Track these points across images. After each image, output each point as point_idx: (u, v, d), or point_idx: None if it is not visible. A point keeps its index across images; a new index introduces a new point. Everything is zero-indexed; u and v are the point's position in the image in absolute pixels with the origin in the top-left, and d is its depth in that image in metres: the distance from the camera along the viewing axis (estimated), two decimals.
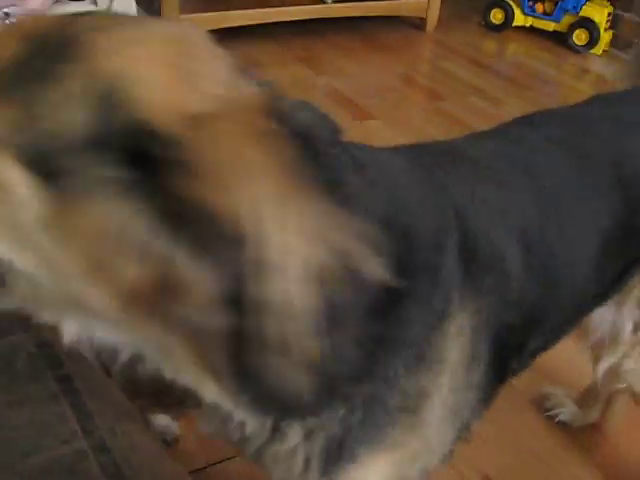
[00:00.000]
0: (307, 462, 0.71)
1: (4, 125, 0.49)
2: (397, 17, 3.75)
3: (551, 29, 3.74)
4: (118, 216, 0.48)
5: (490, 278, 0.81)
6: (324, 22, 3.48)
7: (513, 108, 2.92)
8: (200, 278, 0.47)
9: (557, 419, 1.56)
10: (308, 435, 0.69)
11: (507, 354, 0.88)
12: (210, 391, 0.55)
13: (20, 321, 0.75)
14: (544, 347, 1.00)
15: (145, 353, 0.58)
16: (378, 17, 3.65)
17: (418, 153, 0.86)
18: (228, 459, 1.38)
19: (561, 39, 3.67)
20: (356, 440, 0.70)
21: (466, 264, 0.79)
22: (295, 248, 0.47)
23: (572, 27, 3.62)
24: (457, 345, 0.78)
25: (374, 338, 0.61)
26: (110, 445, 0.63)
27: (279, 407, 0.53)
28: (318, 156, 0.56)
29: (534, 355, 0.99)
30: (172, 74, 0.51)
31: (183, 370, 0.55)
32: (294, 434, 0.69)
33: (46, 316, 0.57)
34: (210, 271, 0.47)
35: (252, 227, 0.46)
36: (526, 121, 1.02)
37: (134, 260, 0.48)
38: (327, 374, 0.51)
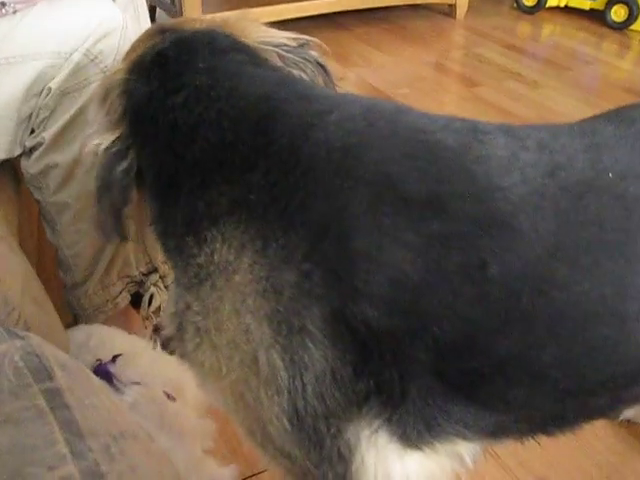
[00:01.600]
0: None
1: None
2: (425, 5, 3.64)
3: (587, 7, 3.59)
4: None
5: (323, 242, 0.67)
6: (351, 15, 3.38)
7: (552, 90, 2.79)
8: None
9: (620, 416, 1.43)
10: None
11: (382, 362, 0.69)
12: None
13: (8, 331, 0.66)
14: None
15: None
16: (406, 7, 3.54)
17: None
18: (259, 473, 1.28)
19: (598, 17, 3.52)
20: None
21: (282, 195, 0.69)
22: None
23: (610, 4, 3.46)
24: (227, 280, 0.71)
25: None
26: (104, 469, 0.54)
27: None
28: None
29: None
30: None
31: None
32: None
33: None
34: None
35: None
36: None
37: None
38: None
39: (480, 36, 3.42)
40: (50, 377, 0.61)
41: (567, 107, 2.63)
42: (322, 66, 0.90)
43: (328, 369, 0.68)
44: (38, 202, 1.29)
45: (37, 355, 0.63)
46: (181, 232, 0.77)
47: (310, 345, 0.67)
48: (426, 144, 0.71)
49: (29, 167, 1.22)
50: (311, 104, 0.76)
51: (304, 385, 0.69)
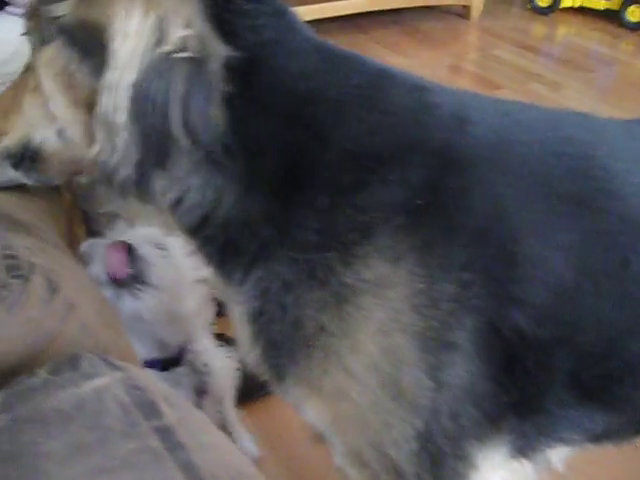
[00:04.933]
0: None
1: None
2: (440, 7, 3.59)
3: (602, 7, 3.54)
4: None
5: (475, 250, 0.62)
6: (367, 17, 3.34)
7: (575, 92, 2.75)
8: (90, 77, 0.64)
9: None
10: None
11: (524, 373, 0.65)
12: None
13: (105, 361, 0.61)
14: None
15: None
16: (421, 9, 3.49)
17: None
18: None
19: (614, 17, 3.47)
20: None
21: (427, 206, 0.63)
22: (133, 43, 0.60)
23: (625, 4, 3.42)
24: (378, 297, 0.63)
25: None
26: None
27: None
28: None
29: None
30: None
31: None
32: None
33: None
34: (95, 72, 0.62)
35: (110, 32, 0.60)
36: None
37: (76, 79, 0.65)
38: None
39: (496, 37, 3.37)
40: (159, 413, 0.56)
41: (591, 108, 2.59)
42: None
43: (469, 386, 0.64)
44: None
45: (140, 388, 0.58)
46: (316, 244, 0.64)
47: (457, 361, 0.63)
48: (564, 140, 0.69)
49: None
50: (454, 95, 0.72)
51: (441, 405, 0.64)
